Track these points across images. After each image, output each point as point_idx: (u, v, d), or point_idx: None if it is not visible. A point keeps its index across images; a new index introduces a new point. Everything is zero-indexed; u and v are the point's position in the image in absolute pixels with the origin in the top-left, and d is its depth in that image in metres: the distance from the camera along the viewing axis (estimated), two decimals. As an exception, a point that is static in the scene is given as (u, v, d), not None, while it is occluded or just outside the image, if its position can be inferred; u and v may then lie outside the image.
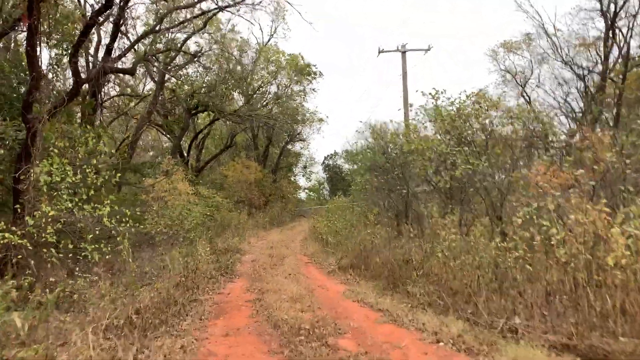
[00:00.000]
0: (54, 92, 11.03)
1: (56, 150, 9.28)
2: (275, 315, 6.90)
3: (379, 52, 25.95)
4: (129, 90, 24.08)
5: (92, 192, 9.47)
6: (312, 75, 32.00)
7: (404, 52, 25.33)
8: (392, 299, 7.68)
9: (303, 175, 46.55)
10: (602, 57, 22.48)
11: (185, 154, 28.73)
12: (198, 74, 26.38)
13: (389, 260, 9.22)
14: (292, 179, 41.04)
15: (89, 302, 7.07)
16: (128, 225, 9.52)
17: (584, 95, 23.52)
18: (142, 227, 15.06)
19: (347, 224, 16.22)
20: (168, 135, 28.19)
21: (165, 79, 21.78)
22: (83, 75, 10.69)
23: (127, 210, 9.78)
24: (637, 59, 22.99)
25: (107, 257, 9.08)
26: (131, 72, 12.73)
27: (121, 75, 21.46)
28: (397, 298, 7.75)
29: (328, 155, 53.04)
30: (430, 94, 13.05)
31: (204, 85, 25.47)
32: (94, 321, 5.79)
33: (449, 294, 7.02)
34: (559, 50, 23.35)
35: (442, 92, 13.39)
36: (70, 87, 10.57)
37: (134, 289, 8.04)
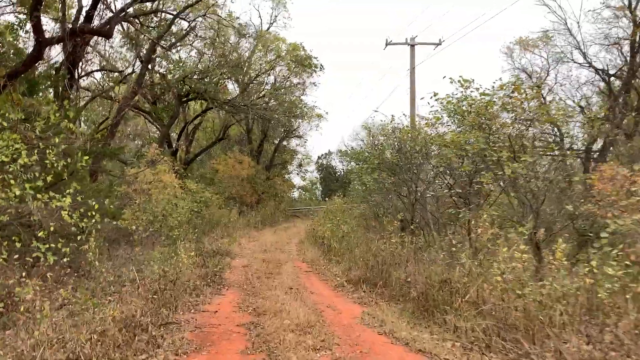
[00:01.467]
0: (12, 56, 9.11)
1: (5, 124, 7.37)
2: (279, 354, 5.05)
3: (387, 44, 24.23)
4: (115, 73, 22.06)
5: (50, 178, 7.55)
6: (313, 68, 30.09)
7: (412, 46, 23.60)
8: (431, 333, 5.84)
9: (298, 174, 44.63)
10: (629, 56, 20.85)
11: (174, 145, 26.76)
12: (190, 59, 24.50)
13: (418, 279, 7.39)
14: (287, 177, 39.12)
15: (22, 325, 5.18)
16: (94, 220, 7.60)
17: (607, 98, 21.85)
18: (118, 223, 13.16)
19: (354, 228, 14.40)
20: (156, 124, 26.17)
21: (154, 57, 19.83)
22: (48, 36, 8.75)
23: (94, 203, 7.83)
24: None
25: (65, 259, 7.18)
26: (107, 34, 10.79)
27: (104, 51, 19.51)
28: (436, 331, 5.92)
29: (322, 155, 51.27)
30: (459, 81, 11.29)
31: (197, 70, 23.53)
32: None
33: (509, 332, 5.22)
34: (582, 49, 21.70)
35: (471, 81, 11.67)
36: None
37: (93, 306, 6.14)
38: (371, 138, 18.52)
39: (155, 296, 7.45)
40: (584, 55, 21.93)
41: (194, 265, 11.42)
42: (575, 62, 23.40)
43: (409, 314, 6.71)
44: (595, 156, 17.91)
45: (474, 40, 67.05)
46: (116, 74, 20.98)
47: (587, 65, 22.27)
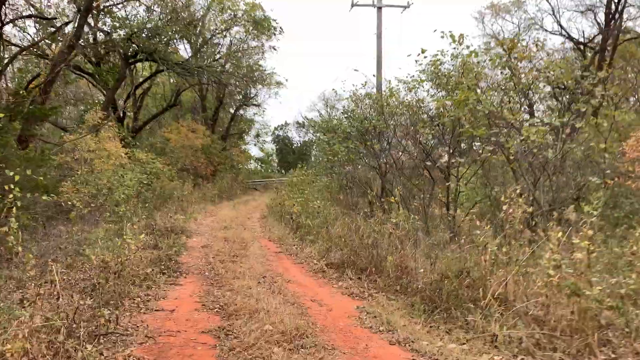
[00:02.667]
0: None
1: None
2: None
3: (352, 6, 22.56)
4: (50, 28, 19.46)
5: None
6: (272, 31, 28.06)
7: (379, 8, 22.07)
8: (458, 342, 4.53)
9: (255, 145, 42.76)
10: (603, 24, 20.09)
11: (121, 111, 24.43)
12: (138, 18, 22.07)
13: (422, 266, 6.07)
14: (243, 147, 37.18)
15: None
16: (13, 195, 5.90)
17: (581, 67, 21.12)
18: (54, 197, 11.30)
19: (326, 202, 13.00)
20: (100, 87, 23.71)
21: (95, 5, 17.43)
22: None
23: (14, 174, 6.10)
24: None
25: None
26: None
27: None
28: (462, 338, 4.62)
29: (279, 126, 49.53)
30: (451, 36, 9.91)
31: (146, 28, 21.21)
32: None
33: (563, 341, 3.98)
34: (556, 15, 20.81)
35: (464, 37, 10.33)
36: None
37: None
38: (342, 106, 17.02)
39: (93, 293, 5.85)
40: (558, 21, 21.06)
41: (144, 246, 9.77)
42: (546, 30, 22.56)
43: (418, 313, 5.37)
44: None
45: (445, 3, 65.48)
46: (51, 28, 18.48)
47: (559, 32, 21.44)
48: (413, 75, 12.57)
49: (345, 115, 16.67)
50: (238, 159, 32.85)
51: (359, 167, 20.41)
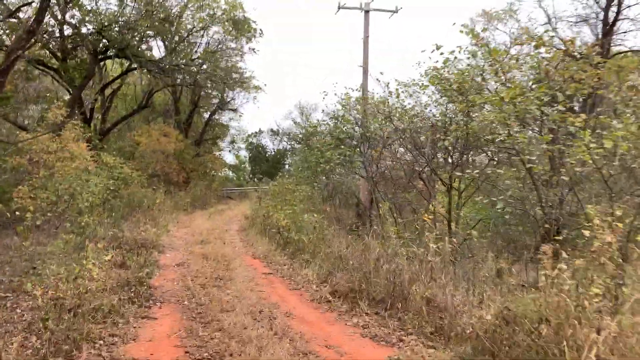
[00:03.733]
0: None
1: None
2: None
3: (339, 8, 21.42)
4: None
5: None
6: (252, 33, 26.72)
7: (367, 12, 21.05)
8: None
9: (230, 151, 41.10)
10: (601, 34, 19.43)
11: (88, 112, 22.61)
12: (108, 11, 20.40)
13: (471, 307, 4.79)
14: (217, 153, 35.48)
15: None
16: None
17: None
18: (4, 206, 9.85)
19: (316, 215, 11.64)
20: (66, 85, 21.86)
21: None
22: None
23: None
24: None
25: None
26: None
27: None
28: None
29: (252, 133, 48.08)
30: (470, 30, 8.74)
31: (117, 22, 19.61)
32: None
33: None
34: (552, 24, 20.05)
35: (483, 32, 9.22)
36: None
37: None
38: (331, 111, 15.75)
39: (40, 336, 4.37)
40: (554, 30, 20.31)
41: (110, 265, 8.26)
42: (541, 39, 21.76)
43: (476, 370, 4.08)
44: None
45: (433, 12, 64.88)
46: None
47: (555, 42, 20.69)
48: (414, 80, 11.52)
49: (335, 121, 15.43)
50: (212, 166, 31.20)
51: (349, 176, 19.21)
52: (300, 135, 16.53)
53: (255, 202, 18.05)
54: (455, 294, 5.31)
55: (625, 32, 19.56)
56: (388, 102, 12.69)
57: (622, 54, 20.27)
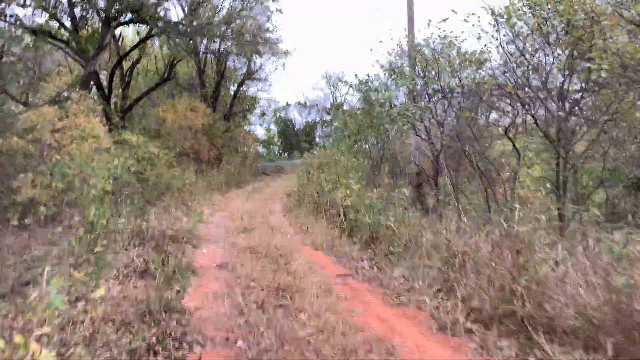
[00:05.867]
0: None
1: None
2: None
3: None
4: None
5: None
6: (278, -11, 23.93)
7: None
8: None
9: (261, 125, 38.77)
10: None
11: (106, 89, 20.38)
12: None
13: None
14: (247, 128, 33.16)
15: None
16: None
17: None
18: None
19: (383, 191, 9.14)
20: (79, 59, 19.63)
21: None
22: None
23: None
24: None
25: None
26: None
27: None
28: None
29: (280, 107, 45.74)
30: None
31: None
32: None
33: None
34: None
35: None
36: None
37: None
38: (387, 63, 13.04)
39: None
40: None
41: (128, 273, 6.01)
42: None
43: None
44: None
45: None
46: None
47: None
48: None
49: (394, 75, 12.81)
50: (245, 141, 28.89)
51: (402, 140, 16.58)
52: (337, 102, 13.72)
53: (301, 177, 15.57)
54: None
55: None
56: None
57: None
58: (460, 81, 10.56)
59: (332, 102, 45.32)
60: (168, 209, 12.42)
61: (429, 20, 11.07)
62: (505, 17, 8.61)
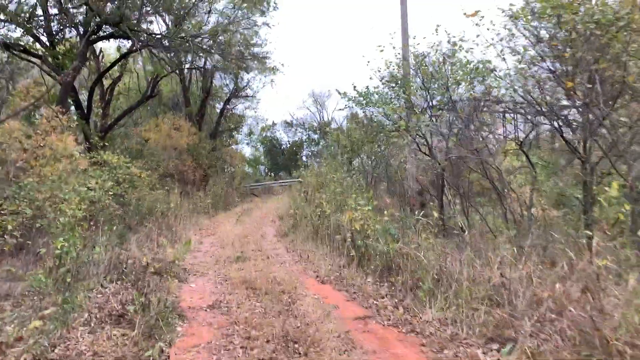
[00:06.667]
0: None
1: None
2: None
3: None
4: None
5: None
6: (266, 4, 23.13)
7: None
8: None
9: (248, 144, 37.73)
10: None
11: (85, 107, 19.21)
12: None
13: None
14: (234, 147, 32.00)
15: None
16: None
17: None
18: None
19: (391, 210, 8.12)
20: (55, 75, 18.49)
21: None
22: None
23: None
24: None
25: None
26: None
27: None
28: None
29: (266, 126, 44.82)
30: None
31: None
32: None
33: None
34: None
35: None
36: None
37: None
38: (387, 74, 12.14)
39: None
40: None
41: (101, 320, 4.92)
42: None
43: None
44: None
45: None
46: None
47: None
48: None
49: (393, 85, 11.92)
50: (231, 161, 27.80)
51: (400, 156, 15.63)
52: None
53: (296, 198, 14.48)
54: None
55: None
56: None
57: None
58: (472, 89, 9.72)
59: (319, 120, 44.64)
60: (151, 235, 11.30)
61: (437, 25, 10.27)
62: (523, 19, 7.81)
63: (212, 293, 6.60)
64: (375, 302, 5.61)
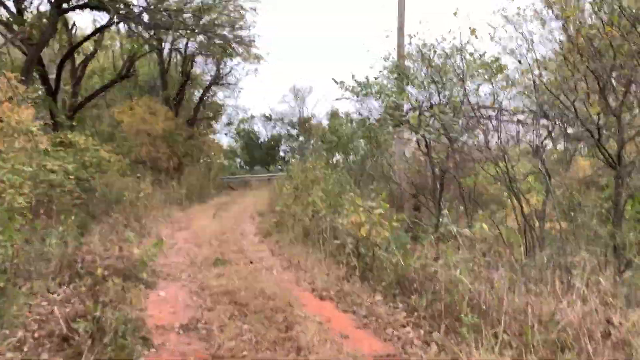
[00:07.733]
0: None
1: None
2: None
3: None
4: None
5: None
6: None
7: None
8: None
9: (226, 134, 36.24)
10: None
11: (53, 83, 17.58)
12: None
13: None
14: (212, 137, 30.48)
15: None
16: None
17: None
18: None
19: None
20: (22, 46, 16.82)
21: None
22: None
23: None
24: None
25: None
26: None
27: None
28: None
29: (243, 119, 43.33)
30: None
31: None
32: None
33: None
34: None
35: None
36: None
37: None
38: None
39: None
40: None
41: (39, 344, 3.62)
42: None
43: None
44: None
45: None
46: None
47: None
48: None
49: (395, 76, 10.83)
50: (208, 150, 26.37)
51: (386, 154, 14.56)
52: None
53: (280, 194, 13.21)
54: None
55: None
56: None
57: None
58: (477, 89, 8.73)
59: (299, 116, 43.42)
60: (117, 226, 9.97)
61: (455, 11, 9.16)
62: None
63: (186, 306, 5.36)
64: (395, 332, 4.46)
